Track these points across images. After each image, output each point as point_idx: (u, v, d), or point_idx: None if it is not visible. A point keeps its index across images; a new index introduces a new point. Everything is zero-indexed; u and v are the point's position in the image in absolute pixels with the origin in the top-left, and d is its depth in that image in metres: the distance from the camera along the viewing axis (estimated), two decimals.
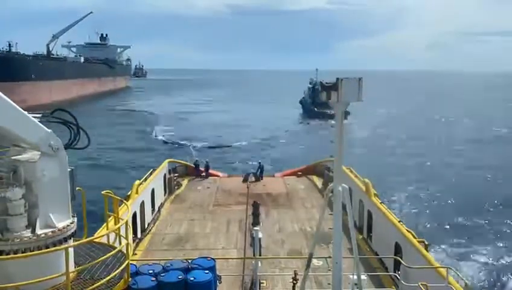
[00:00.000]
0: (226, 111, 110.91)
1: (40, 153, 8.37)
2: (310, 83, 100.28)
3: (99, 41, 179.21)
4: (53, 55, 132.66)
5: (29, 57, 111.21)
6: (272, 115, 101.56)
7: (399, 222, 16.88)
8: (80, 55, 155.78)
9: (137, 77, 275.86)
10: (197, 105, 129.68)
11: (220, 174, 32.15)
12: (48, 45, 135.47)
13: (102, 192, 10.76)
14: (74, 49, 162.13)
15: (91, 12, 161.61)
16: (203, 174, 30.22)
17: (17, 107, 8.07)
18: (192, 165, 30.87)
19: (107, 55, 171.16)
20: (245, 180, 29.30)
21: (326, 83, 8.63)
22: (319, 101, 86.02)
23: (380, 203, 19.09)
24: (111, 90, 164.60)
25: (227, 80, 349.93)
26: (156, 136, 73.62)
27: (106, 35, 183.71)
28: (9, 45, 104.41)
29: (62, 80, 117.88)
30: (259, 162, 31.41)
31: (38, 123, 8.43)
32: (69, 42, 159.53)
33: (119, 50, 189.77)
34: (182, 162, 31.72)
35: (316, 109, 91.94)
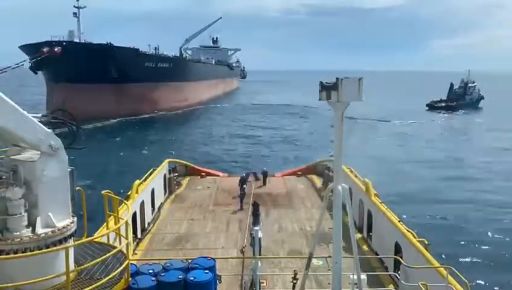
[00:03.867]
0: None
1: (40, 153, 8.37)
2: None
3: (211, 44, 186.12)
4: (185, 57, 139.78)
5: (188, 60, 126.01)
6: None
7: (399, 221, 16.88)
8: (208, 57, 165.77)
9: (241, 78, 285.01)
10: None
11: (220, 174, 32.13)
12: (180, 48, 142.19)
13: (102, 192, 10.77)
14: (189, 52, 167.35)
15: (221, 18, 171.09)
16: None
17: (17, 107, 8.07)
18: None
19: (219, 57, 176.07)
20: (241, 183, 25.65)
21: (326, 83, 8.63)
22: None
23: (380, 203, 19.10)
24: (231, 90, 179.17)
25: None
26: None
27: (217, 38, 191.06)
28: (156, 48, 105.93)
29: (208, 80, 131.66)
30: (264, 169, 30.51)
31: (38, 123, 8.43)
32: (186, 44, 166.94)
33: (229, 53, 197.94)
34: (182, 161, 31.73)
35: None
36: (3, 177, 8.30)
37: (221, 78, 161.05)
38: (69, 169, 8.88)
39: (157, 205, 23.64)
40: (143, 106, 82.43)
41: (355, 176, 23.26)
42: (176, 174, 28.71)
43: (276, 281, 15.71)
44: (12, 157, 8.46)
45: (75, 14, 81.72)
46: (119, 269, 8.63)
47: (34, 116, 8.47)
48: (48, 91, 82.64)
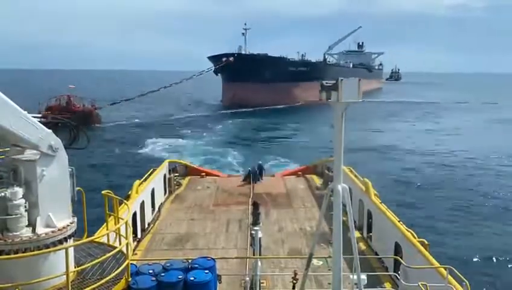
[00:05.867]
0: None
1: (40, 153, 8.37)
2: None
3: (356, 49, 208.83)
4: (328, 62, 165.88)
5: (323, 64, 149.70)
6: None
7: (399, 221, 16.89)
8: (347, 61, 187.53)
9: (395, 80, 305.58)
10: None
11: (220, 174, 32.12)
12: (324, 54, 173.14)
13: (102, 192, 10.77)
14: (336, 56, 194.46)
15: (360, 27, 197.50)
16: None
17: (17, 107, 8.08)
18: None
19: (362, 60, 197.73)
20: (245, 179, 29.06)
21: (326, 82, 8.65)
22: None
23: (380, 203, 19.10)
24: (367, 91, 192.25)
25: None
26: None
27: (363, 43, 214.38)
28: (302, 55, 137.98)
29: None
30: (260, 163, 31.06)
31: (38, 123, 8.44)
32: (330, 49, 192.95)
33: (373, 56, 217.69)
34: (182, 161, 31.73)
35: None
36: (3, 177, 8.31)
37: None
38: (69, 169, 8.89)
39: (157, 205, 23.64)
40: (286, 99, 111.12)
41: (355, 176, 23.27)
42: (176, 174, 28.71)
43: (276, 281, 15.72)
44: (12, 157, 8.46)
45: (243, 34, 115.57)
46: (119, 269, 8.63)
47: (34, 116, 8.48)
48: (223, 88, 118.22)
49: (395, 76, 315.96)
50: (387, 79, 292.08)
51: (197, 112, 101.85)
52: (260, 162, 31.75)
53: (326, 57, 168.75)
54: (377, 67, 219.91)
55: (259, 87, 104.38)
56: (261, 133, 72.22)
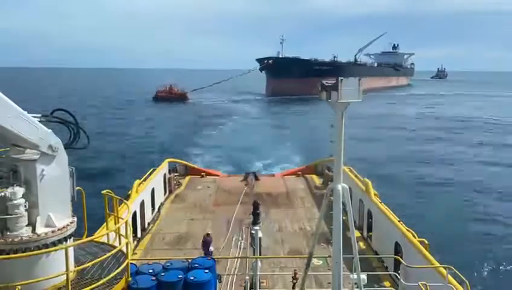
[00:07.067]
0: None
1: (40, 153, 8.37)
2: None
3: (391, 50, 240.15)
4: (358, 62, 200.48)
5: (347, 64, 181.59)
6: None
7: (399, 221, 16.88)
8: (375, 62, 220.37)
9: (439, 78, 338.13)
10: None
11: (220, 174, 32.13)
12: (355, 56, 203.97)
13: (102, 191, 10.76)
14: (373, 56, 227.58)
15: (385, 33, 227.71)
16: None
17: (17, 107, 8.07)
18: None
19: (396, 60, 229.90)
20: (245, 179, 29.28)
21: (326, 82, 8.62)
22: None
23: (380, 202, 19.10)
24: (393, 86, 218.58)
25: None
26: None
27: (397, 45, 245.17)
28: (334, 56, 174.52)
29: (362, 77, 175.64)
30: (254, 172, 31.19)
31: (39, 123, 8.43)
32: (360, 50, 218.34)
33: (405, 56, 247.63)
34: (182, 161, 31.73)
35: None
36: (3, 177, 8.30)
37: (385, 76, 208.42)
38: (69, 169, 8.89)
39: (157, 205, 23.63)
40: (312, 90, 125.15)
41: (355, 176, 23.26)
42: (176, 174, 28.71)
43: (276, 281, 15.72)
44: (12, 157, 8.45)
45: (281, 43, 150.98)
46: (119, 269, 8.63)
47: (34, 116, 8.47)
48: (266, 82, 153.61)
49: (440, 74, 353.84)
50: (432, 77, 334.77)
51: (249, 97, 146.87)
52: (255, 170, 32.49)
53: (356, 57, 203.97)
54: (409, 66, 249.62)
55: (291, 81, 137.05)
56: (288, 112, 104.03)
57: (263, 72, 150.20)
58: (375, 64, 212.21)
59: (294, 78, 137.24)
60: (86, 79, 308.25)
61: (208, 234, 17.69)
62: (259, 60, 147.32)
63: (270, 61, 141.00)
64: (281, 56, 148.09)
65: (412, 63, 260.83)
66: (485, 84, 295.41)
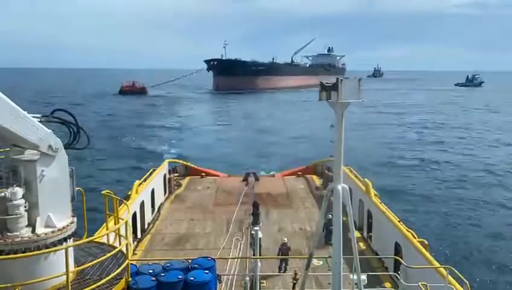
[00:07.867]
0: None
1: (40, 153, 8.36)
2: None
3: (326, 52, 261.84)
4: (294, 63, 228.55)
5: (282, 64, 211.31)
6: None
7: (399, 221, 16.88)
8: (312, 63, 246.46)
9: (374, 77, 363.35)
10: None
11: (220, 174, 32.14)
12: (292, 57, 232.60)
13: (102, 192, 10.75)
14: (310, 58, 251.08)
15: (314, 39, 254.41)
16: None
17: (17, 107, 8.06)
18: None
19: (330, 61, 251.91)
20: (245, 179, 29.32)
21: (326, 83, 8.61)
22: None
23: (380, 203, 19.10)
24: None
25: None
26: None
27: (332, 48, 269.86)
28: (273, 58, 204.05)
29: (295, 76, 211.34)
30: (254, 172, 31.15)
31: (38, 123, 8.42)
32: (295, 53, 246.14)
33: (337, 58, 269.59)
34: (182, 162, 31.73)
35: None
36: (3, 177, 8.29)
37: (315, 75, 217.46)
38: (69, 169, 8.88)
39: (157, 205, 23.63)
40: (249, 86, 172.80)
41: (355, 176, 23.26)
42: (176, 174, 28.71)
43: (276, 281, 15.72)
44: (12, 157, 8.45)
45: (224, 46, 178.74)
46: (119, 269, 8.62)
47: (34, 117, 8.46)
48: (213, 80, 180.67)
49: (376, 74, 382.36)
50: (368, 76, 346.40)
51: (199, 92, 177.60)
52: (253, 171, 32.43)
53: (293, 58, 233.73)
54: (340, 66, 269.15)
55: (232, 78, 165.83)
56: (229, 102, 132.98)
57: (209, 71, 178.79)
58: (307, 65, 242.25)
59: (235, 76, 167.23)
60: (56, 79, 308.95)
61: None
62: (207, 61, 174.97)
63: (215, 62, 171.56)
64: (224, 58, 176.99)
65: (344, 64, 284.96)
66: (409, 81, 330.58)
